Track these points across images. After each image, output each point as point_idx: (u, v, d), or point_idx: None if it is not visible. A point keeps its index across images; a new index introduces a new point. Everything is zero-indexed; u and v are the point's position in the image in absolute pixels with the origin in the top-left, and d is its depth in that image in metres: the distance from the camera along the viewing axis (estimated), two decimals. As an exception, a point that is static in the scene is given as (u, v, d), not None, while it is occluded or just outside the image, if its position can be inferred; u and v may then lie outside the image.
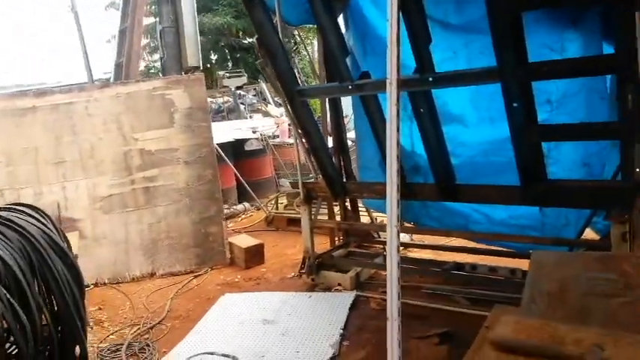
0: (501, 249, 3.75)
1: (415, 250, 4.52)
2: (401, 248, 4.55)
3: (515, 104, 2.77)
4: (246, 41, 18.83)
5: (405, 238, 4.73)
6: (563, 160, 3.39)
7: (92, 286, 4.50)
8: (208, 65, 19.51)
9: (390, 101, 2.52)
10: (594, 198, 2.86)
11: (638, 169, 2.68)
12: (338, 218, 4.60)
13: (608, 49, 3.02)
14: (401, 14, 2.66)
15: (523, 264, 3.46)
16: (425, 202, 3.90)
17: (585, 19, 3.17)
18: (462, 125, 3.69)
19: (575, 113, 3.27)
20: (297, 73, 12.79)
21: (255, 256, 4.79)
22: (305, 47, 11.75)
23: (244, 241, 4.96)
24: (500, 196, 3.21)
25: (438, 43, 3.34)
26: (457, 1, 3.46)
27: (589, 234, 3.78)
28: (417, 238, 4.75)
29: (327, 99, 4.36)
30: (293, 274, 4.41)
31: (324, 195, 4.04)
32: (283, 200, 6.61)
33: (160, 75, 8.27)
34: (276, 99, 12.23)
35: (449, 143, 3.34)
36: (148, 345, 3.41)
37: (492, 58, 2.67)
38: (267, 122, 9.15)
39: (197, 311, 3.86)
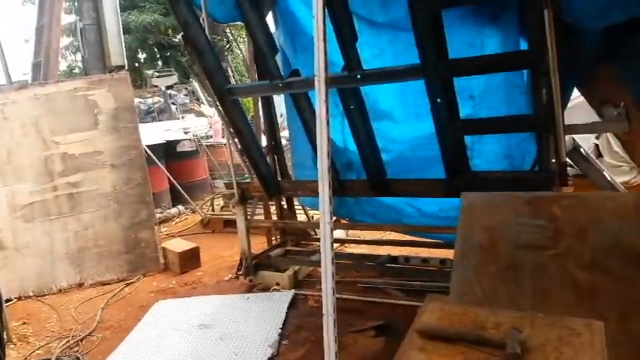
0: (433, 241, 3.87)
1: (351, 245, 4.58)
2: (337, 245, 4.65)
3: (438, 100, 2.87)
4: (176, 39, 18.35)
5: (341, 234, 4.78)
6: (486, 153, 3.55)
7: (15, 300, 4.22)
8: (136, 64, 18.84)
9: (319, 99, 2.54)
10: (514, 188, 2.99)
11: (553, 160, 2.85)
12: (275, 218, 4.57)
13: (525, 46, 3.19)
14: (327, 12, 2.71)
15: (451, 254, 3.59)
16: (358, 198, 3.96)
17: (503, 17, 3.32)
18: (391, 121, 3.77)
19: (497, 107, 3.43)
20: (230, 72, 12.59)
21: (190, 260, 4.67)
22: (238, 45, 11.61)
23: (179, 245, 4.82)
24: (428, 188, 3.31)
25: (366, 40, 3.40)
26: (382, 0, 3.53)
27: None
28: (353, 234, 4.82)
29: (259, 97, 4.32)
30: (230, 276, 4.34)
31: (259, 195, 4.00)
32: (219, 202, 6.49)
33: (83, 75, 7.87)
34: (209, 98, 11.99)
35: (380, 139, 3.41)
36: (77, 358, 3.23)
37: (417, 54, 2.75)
38: (200, 122, 8.95)
39: (130, 320, 3.71)
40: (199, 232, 5.89)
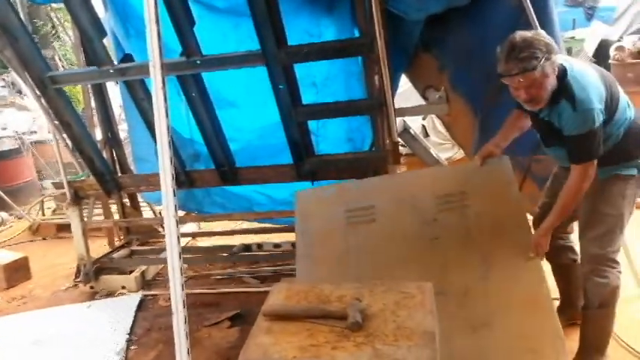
0: (285, 226, 3.94)
1: (203, 238, 4.46)
2: (187, 239, 4.48)
3: (280, 86, 2.90)
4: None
5: (192, 227, 4.62)
6: (330, 137, 3.70)
7: None
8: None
9: (155, 86, 2.39)
10: (355, 168, 3.18)
11: (388, 141, 3.07)
12: (117, 217, 4.24)
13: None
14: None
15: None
16: (208, 189, 3.86)
17: (338, 8, 3.46)
18: (237, 110, 3.73)
19: (337, 94, 3.58)
20: (58, 60, 11.29)
21: (18, 272, 4.12)
22: (65, 30, 10.45)
23: (3, 257, 4.22)
24: (278, 174, 3.35)
25: (207, 26, 3.29)
26: (222, -15, 3.45)
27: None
28: (206, 226, 4.69)
29: (89, 86, 3.94)
30: (68, 285, 3.93)
31: (96, 193, 3.66)
32: (51, 205, 5.82)
33: None
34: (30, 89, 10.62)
35: (226, 128, 3.34)
36: None
37: (260, 41, 2.73)
38: (21, 117, 7.90)
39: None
40: (28, 241, 5.22)
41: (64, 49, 12.41)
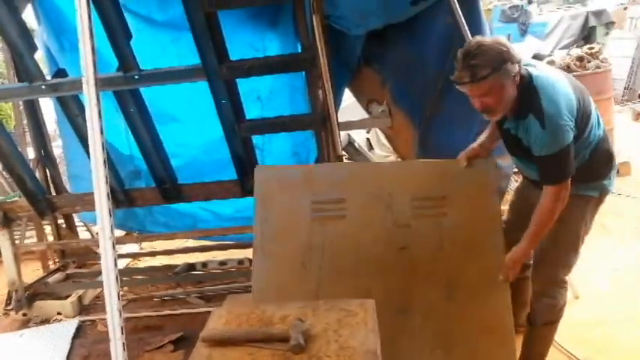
0: (231, 243, 3.86)
1: (145, 258, 4.29)
2: (128, 260, 4.31)
3: (223, 101, 2.86)
4: None
5: (132, 247, 4.45)
6: (276, 152, 3.68)
7: None
8: None
9: (89, 102, 2.30)
10: (301, 183, 3.16)
11: (332, 155, 3.08)
12: (51, 238, 4.02)
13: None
14: (93, 7, 2.46)
15: (250, 254, 3.64)
16: (150, 207, 3.73)
17: (281, 22, 3.47)
18: (180, 125, 3.64)
19: (281, 108, 3.57)
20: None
21: (-60, 302, 3.81)
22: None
23: None
24: (223, 190, 3.29)
25: (146, 39, 3.21)
26: (160, -2, 3.38)
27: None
28: (149, 246, 4.53)
29: (20, 103, 3.74)
30: (-2, 313, 3.68)
31: (29, 214, 3.46)
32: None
33: None
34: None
35: (169, 144, 3.25)
36: None
37: (202, 54, 2.68)
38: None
39: None
40: (-47, 268, 4.86)
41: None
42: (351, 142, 3.59)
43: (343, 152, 3.35)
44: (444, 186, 2.24)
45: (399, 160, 4.12)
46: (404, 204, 2.18)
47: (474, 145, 2.37)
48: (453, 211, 2.18)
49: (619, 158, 5.35)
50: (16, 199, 3.51)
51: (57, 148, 4.30)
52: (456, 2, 2.79)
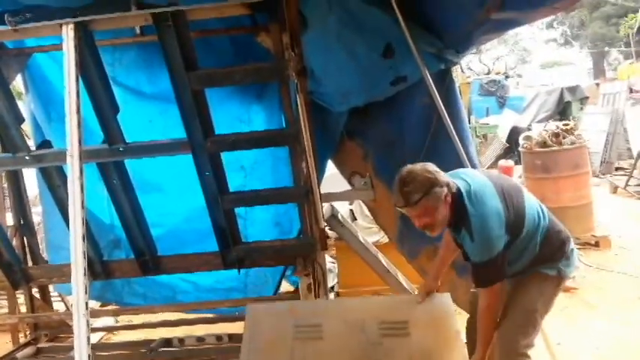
0: (210, 316, 3.76)
1: (121, 332, 4.14)
2: (103, 333, 4.16)
3: (207, 173, 2.89)
4: None
5: (110, 321, 4.30)
6: (258, 222, 3.69)
7: None
8: None
9: (73, 175, 2.31)
10: (283, 256, 3.16)
11: (315, 227, 3.09)
12: (24, 309, 3.87)
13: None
14: (82, 82, 2.53)
15: (229, 328, 3.55)
16: (128, 278, 3.65)
17: (267, 96, 3.60)
18: (162, 194, 3.66)
19: (265, 178, 3.63)
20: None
21: None
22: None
23: None
24: (203, 263, 3.24)
25: (133, 110, 3.28)
26: (149, 71, 3.49)
27: (285, 286, 4.17)
28: (125, 319, 4.38)
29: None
30: (-38, 391, 3.47)
31: (2, 285, 3.36)
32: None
33: None
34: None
35: (151, 213, 3.23)
36: None
37: (187, 127, 2.73)
38: None
39: None
40: None
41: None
42: (334, 214, 3.61)
43: (326, 224, 3.37)
44: (406, 313, 2.48)
45: (381, 233, 4.15)
46: (374, 326, 2.39)
47: (427, 280, 2.63)
48: (416, 333, 2.37)
49: (598, 232, 5.49)
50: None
51: (36, 215, 4.25)
52: (433, 85, 2.92)
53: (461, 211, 2.17)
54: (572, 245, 2.39)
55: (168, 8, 2.39)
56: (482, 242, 2.13)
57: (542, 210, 2.33)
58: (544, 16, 2.82)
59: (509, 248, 2.21)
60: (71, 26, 2.43)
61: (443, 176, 2.17)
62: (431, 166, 2.20)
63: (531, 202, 2.31)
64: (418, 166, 2.19)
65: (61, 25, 2.45)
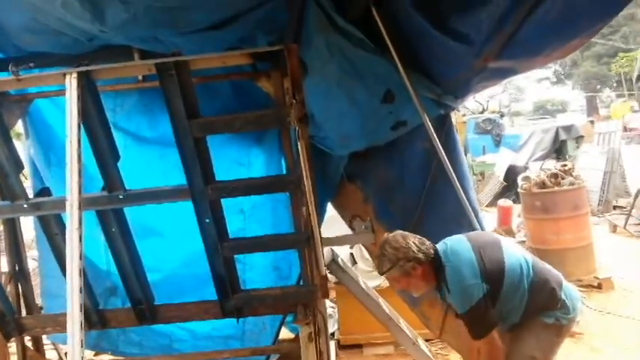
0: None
1: (115, 382, 4.02)
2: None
3: (207, 220, 2.85)
4: None
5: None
6: (257, 266, 3.65)
7: None
8: None
9: (71, 226, 2.28)
10: (283, 304, 3.09)
11: (323, 274, 3.03)
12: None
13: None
14: (84, 129, 2.53)
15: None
16: (124, 327, 3.56)
17: (267, 139, 3.61)
18: (160, 238, 3.62)
19: (264, 221, 3.60)
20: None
21: None
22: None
23: None
24: (201, 312, 3.16)
25: (132, 155, 3.28)
26: (150, 116, 3.51)
27: (285, 332, 4.07)
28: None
29: (-1, 218, 3.68)
30: None
31: (-7, 335, 3.26)
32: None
33: None
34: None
35: (148, 258, 3.18)
36: None
37: (186, 172, 2.72)
38: None
39: None
40: None
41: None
42: (334, 259, 3.57)
43: (326, 269, 3.32)
44: None
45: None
46: None
47: None
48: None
49: (600, 273, 5.43)
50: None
51: (32, 260, 4.18)
52: (433, 130, 2.93)
53: (439, 269, 2.37)
54: (568, 291, 2.45)
55: (171, 58, 2.41)
56: (460, 291, 2.28)
57: (526, 261, 2.43)
58: (540, 65, 2.88)
59: (496, 298, 2.31)
60: (74, 75, 2.45)
61: (415, 249, 2.35)
62: (410, 238, 2.41)
63: (512, 253, 2.43)
64: (398, 237, 2.43)
65: (64, 75, 2.47)
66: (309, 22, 2.67)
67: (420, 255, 2.38)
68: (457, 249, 2.41)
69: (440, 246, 2.47)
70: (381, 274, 2.50)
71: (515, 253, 2.45)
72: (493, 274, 2.31)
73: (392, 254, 2.39)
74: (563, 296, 2.39)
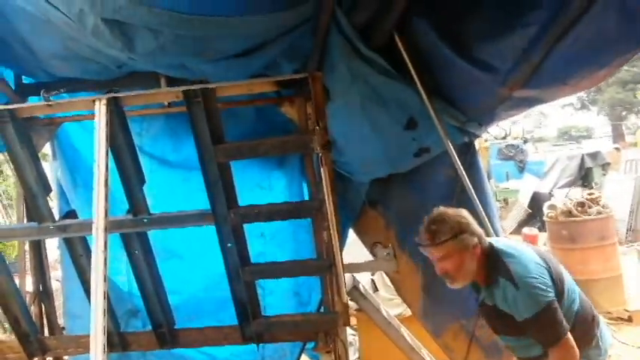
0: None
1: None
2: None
3: (229, 245, 2.86)
4: None
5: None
6: (277, 291, 3.62)
7: None
8: None
9: (97, 248, 2.31)
10: (304, 331, 3.06)
11: (345, 301, 3.00)
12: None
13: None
14: (111, 154, 2.58)
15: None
16: (144, 350, 3.56)
17: (288, 163, 3.64)
18: (181, 261, 3.63)
19: (285, 245, 3.60)
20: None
21: None
22: (9, 164, 10.27)
23: None
24: (221, 336, 3.15)
25: (156, 179, 3.32)
26: (175, 140, 3.57)
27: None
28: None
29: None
30: None
31: (17, 356, 3.29)
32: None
33: None
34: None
35: (169, 280, 3.19)
36: None
37: (209, 195, 2.75)
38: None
39: None
40: None
41: (6, 184, 12.06)
42: (355, 286, 3.52)
43: (348, 297, 3.28)
44: None
45: (405, 305, 4.02)
46: None
47: None
48: None
49: (630, 305, 5.25)
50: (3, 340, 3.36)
51: (55, 280, 4.23)
52: (456, 157, 2.91)
53: (495, 260, 2.06)
54: (603, 332, 2.24)
55: (199, 86, 2.46)
56: (529, 286, 1.93)
57: (579, 294, 2.21)
58: (567, 94, 2.83)
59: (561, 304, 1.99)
60: (104, 101, 2.52)
61: (476, 227, 2.10)
62: (465, 212, 2.16)
63: (571, 282, 2.19)
64: (452, 210, 2.16)
65: (94, 101, 2.54)
66: (333, 50, 2.70)
67: (483, 236, 2.12)
68: (516, 246, 2.13)
69: (492, 240, 2.18)
70: (434, 245, 2.07)
71: (573, 283, 2.17)
72: (559, 284, 2.04)
73: (455, 223, 2.06)
74: (599, 335, 2.21)
